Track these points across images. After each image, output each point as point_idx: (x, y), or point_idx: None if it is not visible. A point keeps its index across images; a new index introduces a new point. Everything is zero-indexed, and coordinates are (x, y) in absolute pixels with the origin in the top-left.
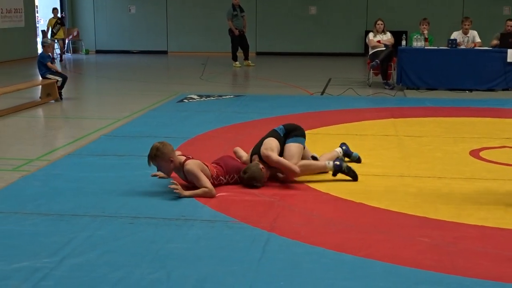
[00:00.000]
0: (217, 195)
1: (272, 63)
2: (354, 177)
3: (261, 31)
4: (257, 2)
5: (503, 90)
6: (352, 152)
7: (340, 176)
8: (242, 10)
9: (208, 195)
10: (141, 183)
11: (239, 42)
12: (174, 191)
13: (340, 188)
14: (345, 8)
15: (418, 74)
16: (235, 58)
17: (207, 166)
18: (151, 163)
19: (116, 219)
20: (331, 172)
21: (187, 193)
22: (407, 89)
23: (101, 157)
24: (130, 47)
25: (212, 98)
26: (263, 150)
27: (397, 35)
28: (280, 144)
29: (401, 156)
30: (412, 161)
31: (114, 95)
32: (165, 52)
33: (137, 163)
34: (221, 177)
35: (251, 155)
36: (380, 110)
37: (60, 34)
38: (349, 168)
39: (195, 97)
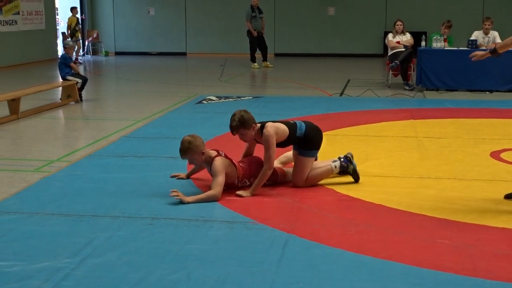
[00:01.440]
0: (235, 197)
1: (290, 64)
2: (356, 179)
3: (280, 32)
4: (275, 3)
5: None
6: (349, 165)
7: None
8: (260, 11)
9: (211, 199)
10: (160, 184)
11: (257, 43)
12: (175, 198)
13: (360, 190)
14: (364, 8)
15: (437, 75)
16: (253, 60)
17: (236, 166)
18: (184, 157)
19: (136, 220)
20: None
21: (189, 199)
22: (426, 90)
23: (121, 158)
24: (149, 49)
25: (231, 99)
26: (268, 127)
27: (417, 36)
28: (288, 141)
29: (421, 158)
30: (432, 163)
31: (133, 97)
32: (184, 54)
33: (157, 164)
34: (245, 179)
35: None
36: (399, 111)
37: (77, 35)
38: (354, 170)
39: (214, 98)
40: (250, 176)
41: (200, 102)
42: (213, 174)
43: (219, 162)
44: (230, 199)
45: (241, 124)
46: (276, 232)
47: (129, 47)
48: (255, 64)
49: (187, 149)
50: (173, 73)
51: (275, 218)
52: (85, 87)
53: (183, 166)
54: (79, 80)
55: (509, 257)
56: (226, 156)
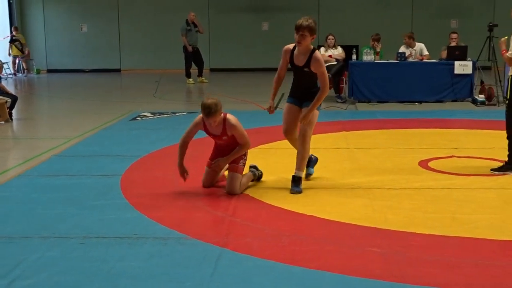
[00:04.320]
0: (170, 213)
1: (225, 79)
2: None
3: (215, 47)
4: (210, 18)
5: (452, 101)
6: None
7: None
8: (195, 26)
9: (247, 149)
10: (92, 203)
11: (193, 58)
12: (216, 168)
13: (292, 202)
14: None
15: (369, 87)
16: (188, 75)
17: None
18: (211, 118)
19: (67, 240)
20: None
21: (223, 160)
22: (358, 102)
23: (52, 178)
24: (82, 66)
25: (166, 115)
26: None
27: (348, 50)
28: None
29: (352, 169)
30: (363, 173)
31: (66, 115)
32: (118, 71)
33: (89, 182)
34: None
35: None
36: (332, 124)
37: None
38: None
39: (148, 114)
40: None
41: (134, 119)
42: (236, 131)
43: (233, 117)
44: (163, 215)
45: (217, 111)
46: (209, 246)
47: (62, 64)
48: (190, 79)
49: (217, 110)
50: (107, 90)
51: (208, 232)
52: (16, 106)
53: (116, 185)
54: (8, 99)
55: (435, 262)
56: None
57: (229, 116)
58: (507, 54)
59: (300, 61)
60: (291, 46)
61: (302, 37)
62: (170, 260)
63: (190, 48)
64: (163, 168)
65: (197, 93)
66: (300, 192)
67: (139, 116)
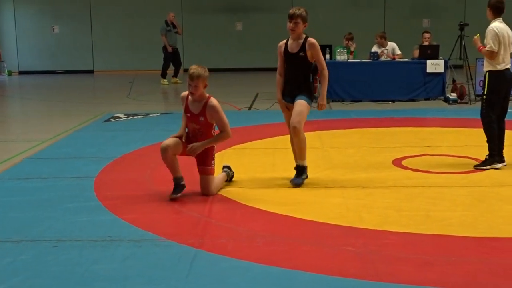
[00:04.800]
0: (144, 215)
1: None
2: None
3: (189, 47)
4: (183, 18)
5: (424, 100)
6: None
7: (266, 189)
8: (174, 26)
9: (224, 139)
10: (65, 205)
11: (172, 59)
12: (191, 154)
13: (267, 202)
14: (271, 24)
15: (343, 86)
16: (164, 75)
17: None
18: (194, 81)
19: (40, 243)
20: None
21: (198, 146)
22: (332, 101)
23: (24, 181)
24: (54, 68)
25: (139, 116)
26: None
27: (321, 49)
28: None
29: (327, 168)
30: (337, 172)
31: (38, 117)
32: (91, 72)
33: (62, 184)
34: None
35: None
36: (306, 123)
37: None
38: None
39: (122, 116)
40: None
41: (108, 120)
42: (215, 114)
43: (217, 103)
44: (138, 217)
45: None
46: (184, 248)
47: (34, 66)
48: (165, 80)
49: (201, 74)
50: (80, 91)
51: (183, 234)
52: None
53: (90, 187)
54: None
55: (409, 260)
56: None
57: (212, 98)
58: (486, 48)
59: (293, 48)
60: (283, 41)
61: (295, 25)
62: (145, 262)
63: (170, 49)
64: (137, 169)
65: (172, 94)
66: (298, 184)
67: (112, 117)
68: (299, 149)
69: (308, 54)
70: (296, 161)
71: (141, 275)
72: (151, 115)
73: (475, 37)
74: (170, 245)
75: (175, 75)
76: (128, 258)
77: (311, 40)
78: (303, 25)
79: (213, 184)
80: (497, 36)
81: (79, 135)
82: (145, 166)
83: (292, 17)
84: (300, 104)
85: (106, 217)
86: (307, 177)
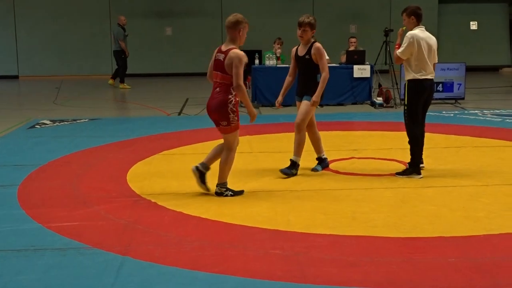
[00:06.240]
0: (70, 223)
1: (131, 85)
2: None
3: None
4: (111, 23)
5: (352, 104)
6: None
7: (195, 194)
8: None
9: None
10: None
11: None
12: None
13: (195, 207)
14: (200, 29)
15: (272, 91)
16: (123, 80)
17: None
18: (234, 28)
19: None
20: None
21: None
22: (262, 106)
23: None
24: None
25: (66, 122)
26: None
27: (251, 54)
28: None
29: (256, 173)
30: (265, 177)
31: None
32: (15, 77)
33: None
34: None
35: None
36: None
37: None
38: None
39: (48, 122)
40: None
41: (33, 126)
42: (236, 63)
43: (240, 52)
44: (63, 226)
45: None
46: (111, 255)
47: None
48: (125, 84)
49: (241, 21)
50: (3, 97)
51: (110, 241)
52: None
53: (13, 195)
54: None
55: (335, 261)
56: None
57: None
58: (397, 51)
59: (302, 52)
60: (295, 46)
61: (303, 32)
62: (70, 272)
63: (127, 53)
64: (63, 177)
65: (101, 100)
66: (287, 174)
67: (38, 124)
68: (296, 145)
69: (313, 57)
70: (293, 156)
71: (65, 285)
72: (78, 121)
73: (400, 29)
74: (95, 253)
75: (114, 77)
76: (52, 267)
77: (316, 44)
78: (311, 32)
79: None
80: (412, 46)
81: (2, 142)
82: (71, 173)
83: (301, 25)
84: (305, 104)
85: (29, 226)
86: (296, 173)
